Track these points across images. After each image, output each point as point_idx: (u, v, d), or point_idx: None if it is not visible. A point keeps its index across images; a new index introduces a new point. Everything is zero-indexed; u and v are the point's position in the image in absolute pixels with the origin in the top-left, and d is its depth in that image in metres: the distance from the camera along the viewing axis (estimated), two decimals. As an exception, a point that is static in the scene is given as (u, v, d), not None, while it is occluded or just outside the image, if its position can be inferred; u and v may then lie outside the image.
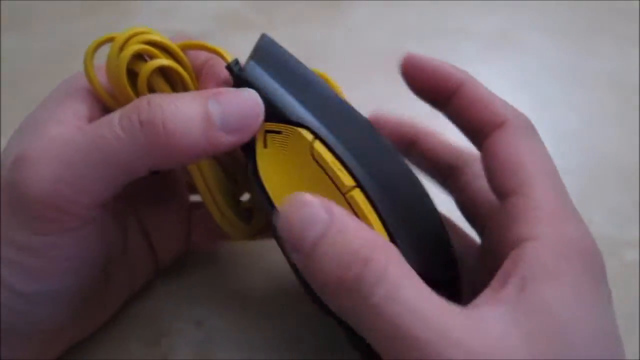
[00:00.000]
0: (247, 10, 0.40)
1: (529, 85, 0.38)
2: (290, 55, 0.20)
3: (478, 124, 0.19)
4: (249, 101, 0.18)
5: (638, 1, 0.43)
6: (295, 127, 0.18)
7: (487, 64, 0.39)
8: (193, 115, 0.17)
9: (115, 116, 0.17)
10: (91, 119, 0.19)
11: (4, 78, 0.35)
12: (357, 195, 0.17)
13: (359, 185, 0.18)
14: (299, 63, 0.20)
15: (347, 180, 0.18)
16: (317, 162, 0.18)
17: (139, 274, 0.24)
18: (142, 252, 0.24)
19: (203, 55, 0.21)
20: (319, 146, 0.18)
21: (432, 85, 0.20)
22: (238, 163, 0.23)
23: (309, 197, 0.15)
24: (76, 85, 0.20)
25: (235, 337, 0.25)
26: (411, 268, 0.15)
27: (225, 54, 0.20)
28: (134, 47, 0.19)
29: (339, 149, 0.18)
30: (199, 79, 0.21)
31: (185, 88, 0.20)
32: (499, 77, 0.38)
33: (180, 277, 0.27)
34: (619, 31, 0.41)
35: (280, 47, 0.20)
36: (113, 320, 0.26)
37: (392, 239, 0.17)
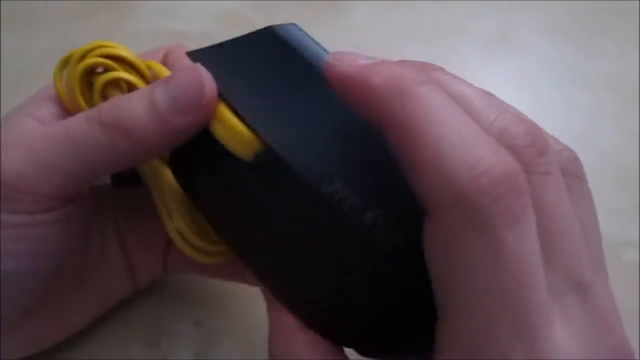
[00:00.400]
0: (247, 10, 0.40)
1: (529, 85, 0.38)
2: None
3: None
4: (191, 77, 0.17)
5: (638, 1, 0.43)
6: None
7: (487, 64, 0.39)
8: (141, 105, 0.18)
9: (82, 115, 0.19)
10: (63, 116, 0.21)
11: (4, 78, 0.35)
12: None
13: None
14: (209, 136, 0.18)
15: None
16: None
17: (116, 287, 0.25)
18: (119, 265, 0.24)
19: (175, 54, 0.22)
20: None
21: (361, 111, 0.15)
22: None
23: None
24: (53, 88, 0.22)
25: (235, 337, 0.25)
26: None
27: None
28: (90, 61, 0.20)
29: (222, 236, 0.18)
30: None
31: None
32: (499, 77, 0.38)
33: (180, 277, 0.27)
34: (619, 31, 0.41)
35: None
36: (113, 321, 0.26)
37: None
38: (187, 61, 0.20)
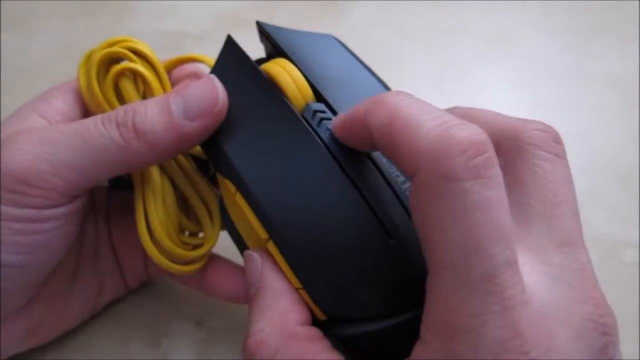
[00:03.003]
0: (247, 10, 0.40)
1: (529, 85, 0.38)
2: (251, 65, 0.20)
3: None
4: (205, 87, 0.19)
5: (638, 1, 0.43)
6: (222, 177, 0.20)
7: (487, 64, 0.39)
8: (157, 112, 0.19)
9: (98, 117, 0.19)
10: (71, 118, 0.22)
11: (4, 78, 0.35)
12: (271, 247, 0.18)
13: (271, 238, 0.18)
14: (258, 72, 0.19)
15: (262, 233, 0.18)
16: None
17: (108, 284, 0.25)
18: (110, 265, 0.25)
19: (189, 70, 0.24)
20: (239, 199, 0.19)
21: (364, 143, 0.17)
22: (204, 198, 0.23)
23: None
24: (61, 88, 0.22)
25: (235, 337, 0.26)
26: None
27: (207, 60, 0.23)
28: (114, 49, 0.21)
29: (256, 203, 0.18)
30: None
31: (152, 95, 0.22)
32: (499, 77, 0.38)
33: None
34: (619, 31, 0.41)
35: (242, 54, 0.20)
36: (114, 321, 0.26)
37: (304, 286, 0.18)
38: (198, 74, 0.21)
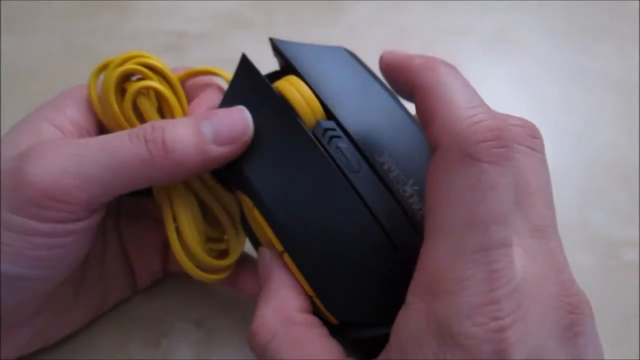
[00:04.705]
0: (247, 10, 0.40)
1: (529, 85, 0.38)
2: (264, 85, 0.21)
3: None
4: (236, 116, 0.20)
5: (638, 1, 0.43)
6: (239, 192, 0.21)
7: (487, 64, 0.39)
8: (187, 133, 0.20)
9: (125, 132, 0.20)
10: (84, 128, 0.22)
11: (4, 78, 0.35)
12: (286, 258, 0.19)
13: (286, 251, 0.19)
14: (271, 92, 0.20)
15: (278, 246, 0.20)
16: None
17: (114, 288, 0.25)
18: (119, 267, 0.25)
19: (203, 82, 0.24)
20: (257, 214, 0.20)
21: (401, 87, 0.19)
22: (226, 207, 0.24)
23: None
24: (73, 96, 0.22)
25: (235, 338, 0.26)
26: None
27: (223, 74, 0.23)
28: (129, 66, 0.21)
29: (272, 220, 0.19)
30: (192, 101, 0.23)
31: (170, 110, 0.22)
32: (498, 77, 0.38)
33: (180, 277, 0.27)
34: (619, 31, 0.41)
35: (257, 73, 0.21)
36: (114, 321, 0.26)
37: (317, 295, 0.19)
38: (212, 98, 0.22)
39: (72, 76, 0.23)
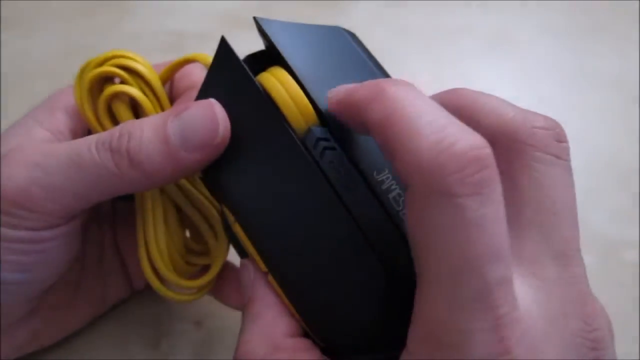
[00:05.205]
0: (247, 10, 0.40)
1: (529, 85, 0.38)
2: (246, 78, 0.17)
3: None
4: (206, 115, 0.17)
5: (638, 1, 0.43)
6: (221, 204, 0.19)
7: (487, 64, 0.39)
8: (154, 139, 0.18)
9: (93, 139, 0.18)
10: (74, 131, 0.21)
11: (4, 78, 0.35)
12: (271, 279, 0.18)
13: (269, 272, 0.18)
14: (255, 88, 0.17)
15: (262, 266, 0.18)
16: None
17: (112, 288, 0.25)
18: (115, 270, 0.25)
19: (189, 80, 0.22)
20: (238, 229, 0.18)
21: (358, 127, 0.16)
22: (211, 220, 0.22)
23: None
24: (64, 98, 0.22)
25: (235, 338, 0.25)
26: None
27: (204, 59, 0.21)
28: (103, 69, 0.20)
29: (254, 237, 0.17)
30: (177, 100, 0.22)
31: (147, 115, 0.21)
32: (499, 77, 0.38)
33: (180, 277, 0.27)
34: (619, 31, 0.41)
35: (239, 63, 0.18)
36: (114, 321, 0.26)
37: (303, 318, 0.17)
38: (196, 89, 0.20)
39: (72, 76, 0.23)
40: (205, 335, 0.26)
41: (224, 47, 0.18)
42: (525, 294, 0.14)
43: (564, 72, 0.39)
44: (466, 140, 0.13)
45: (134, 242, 0.24)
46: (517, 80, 0.38)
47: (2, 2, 0.39)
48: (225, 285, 0.23)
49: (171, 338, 0.25)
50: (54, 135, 0.21)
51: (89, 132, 0.22)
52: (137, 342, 0.25)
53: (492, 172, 0.13)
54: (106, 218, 0.25)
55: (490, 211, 0.13)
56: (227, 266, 0.23)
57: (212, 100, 0.18)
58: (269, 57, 0.19)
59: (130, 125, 0.18)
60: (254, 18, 0.19)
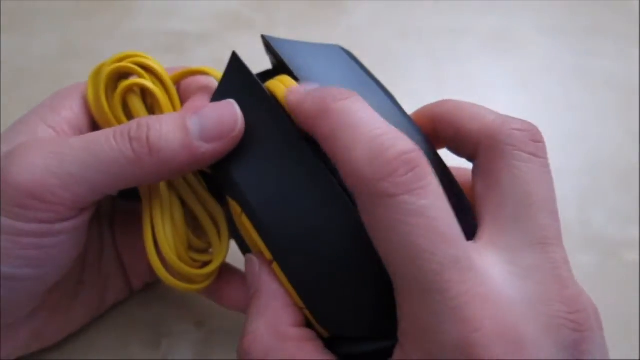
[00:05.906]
0: (247, 10, 0.40)
1: (529, 85, 0.38)
2: (256, 85, 0.20)
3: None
4: (224, 110, 0.19)
5: (638, 1, 0.43)
6: (227, 197, 0.20)
7: (487, 64, 0.39)
8: (173, 129, 0.19)
9: (110, 130, 0.19)
10: (79, 128, 0.21)
11: (4, 78, 0.35)
12: (275, 267, 0.19)
13: (275, 260, 0.18)
14: (263, 93, 0.19)
15: (267, 255, 0.19)
16: None
17: (112, 288, 0.25)
18: (114, 268, 0.25)
19: (199, 83, 0.23)
20: (245, 220, 0.19)
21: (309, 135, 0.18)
22: (214, 215, 0.23)
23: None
24: (68, 95, 0.22)
25: (236, 338, 0.26)
26: None
27: (217, 74, 0.22)
28: (122, 64, 0.21)
29: (261, 228, 0.18)
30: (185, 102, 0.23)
31: (161, 110, 0.22)
32: (499, 77, 0.38)
33: (180, 277, 0.27)
34: (619, 31, 0.41)
35: (248, 72, 0.20)
36: (114, 322, 0.26)
37: (307, 306, 0.18)
38: (205, 98, 0.21)
39: (72, 76, 0.23)
40: (205, 335, 0.26)
41: (235, 60, 0.20)
42: (504, 280, 0.15)
43: (563, 72, 0.39)
44: (396, 146, 0.15)
45: (133, 242, 0.24)
46: (517, 80, 0.38)
47: (2, 2, 0.39)
48: (224, 286, 0.23)
49: (171, 338, 0.25)
50: (58, 133, 0.21)
51: (95, 129, 0.22)
52: (137, 342, 0.25)
53: (423, 170, 0.15)
54: (106, 218, 0.25)
55: (428, 202, 0.15)
56: (226, 268, 0.24)
57: (231, 100, 0.19)
58: (276, 74, 0.20)
59: (148, 119, 0.19)
60: (262, 36, 0.21)
